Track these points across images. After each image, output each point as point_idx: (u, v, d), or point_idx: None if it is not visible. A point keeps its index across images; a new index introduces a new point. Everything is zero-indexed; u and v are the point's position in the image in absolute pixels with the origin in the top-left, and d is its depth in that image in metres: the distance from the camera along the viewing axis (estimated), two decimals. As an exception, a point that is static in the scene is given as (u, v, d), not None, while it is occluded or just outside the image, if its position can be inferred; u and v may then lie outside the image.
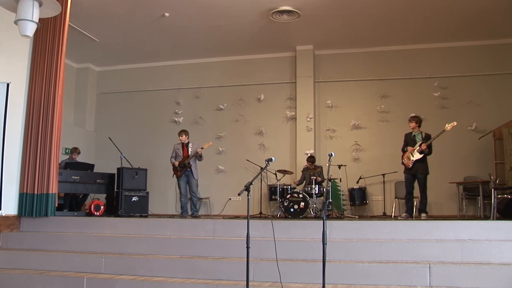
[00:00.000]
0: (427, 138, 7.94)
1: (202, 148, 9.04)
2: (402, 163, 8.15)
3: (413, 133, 8.18)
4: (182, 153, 9.19)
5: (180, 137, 9.27)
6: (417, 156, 7.89)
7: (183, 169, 9.07)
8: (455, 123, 7.66)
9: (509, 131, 8.74)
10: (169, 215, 10.46)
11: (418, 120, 8.19)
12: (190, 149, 9.19)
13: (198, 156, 9.11)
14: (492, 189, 7.47)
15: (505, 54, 10.03)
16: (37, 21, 5.95)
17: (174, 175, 9.25)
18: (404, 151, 8.17)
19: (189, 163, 9.04)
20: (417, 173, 7.97)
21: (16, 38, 6.63)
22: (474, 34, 9.93)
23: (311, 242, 5.74)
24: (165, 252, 6.15)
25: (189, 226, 6.87)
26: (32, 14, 5.86)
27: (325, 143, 10.83)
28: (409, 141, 8.16)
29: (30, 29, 5.93)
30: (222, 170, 11.22)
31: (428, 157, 8.01)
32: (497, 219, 7.20)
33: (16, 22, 5.92)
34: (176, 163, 9.11)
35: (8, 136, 7.14)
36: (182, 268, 5.73)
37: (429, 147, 7.87)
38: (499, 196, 7.49)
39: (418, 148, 7.88)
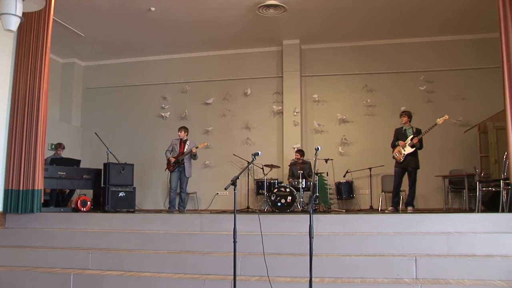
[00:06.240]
0: (418, 132, 7.99)
1: (196, 148, 9.09)
2: (393, 157, 8.19)
3: (404, 128, 8.23)
4: (178, 149, 9.24)
5: (179, 133, 9.35)
6: (408, 150, 7.94)
7: (176, 165, 9.09)
8: (447, 116, 7.71)
9: (493, 125, 8.84)
10: (156, 210, 10.42)
11: (409, 115, 8.26)
12: (187, 146, 9.22)
13: (193, 155, 9.14)
14: (477, 182, 7.55)
15: (490, 48, 10.04)
16: (20, 15, 5.88)
17: (167, 169, 9.28)
18: (394, 145, 8.21)
19: (182, 160, 9.07)
20: (408, 167, 8.02)
21: (-1, 32, 6.55)
22: (460, 28, 10.01)
23: (298, 236, 5.75)
24: (152, 247, 6.12)
25: (176, 221, 6.85)
26: (15, 8, 5.78)
27: (312, 137, 10.86)
28: (400, 135, 8.20)
29: (14, 23, 5.86)
30: (209, 164, 11.20)
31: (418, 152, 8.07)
32: (482, 211, 7.30)
33: (-2, 16, 5.85)
34: (172, 159, 9.12)
35: (-8, 131, 7.09)
36: (170, 263, 5.71)
37: (420, 141, 7.93)
38: (484, 189, 7.57)
39: (409, 142, 7.93)
